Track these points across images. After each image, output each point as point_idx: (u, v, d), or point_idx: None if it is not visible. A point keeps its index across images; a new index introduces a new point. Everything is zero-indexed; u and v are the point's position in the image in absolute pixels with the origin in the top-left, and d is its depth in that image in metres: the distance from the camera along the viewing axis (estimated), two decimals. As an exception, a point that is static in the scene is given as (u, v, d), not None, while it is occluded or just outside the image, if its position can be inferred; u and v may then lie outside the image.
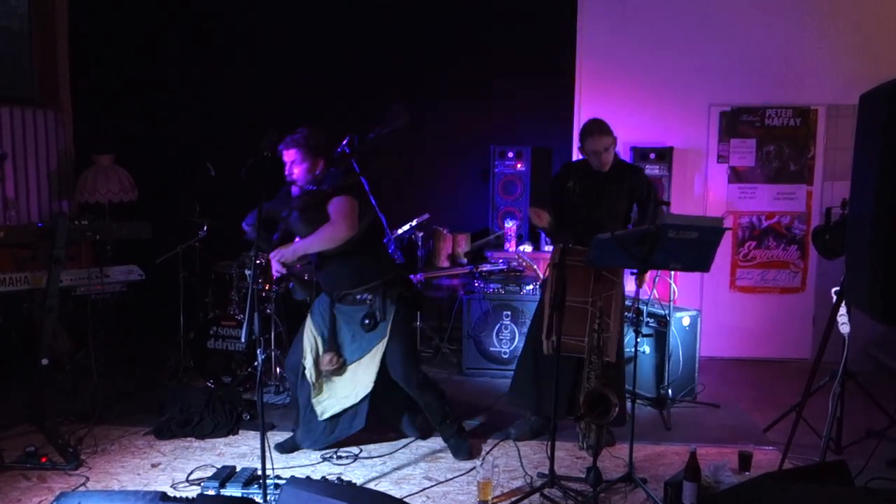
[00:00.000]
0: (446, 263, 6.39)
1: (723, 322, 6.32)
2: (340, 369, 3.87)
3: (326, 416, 3.92)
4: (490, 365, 5.64)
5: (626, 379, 4.23)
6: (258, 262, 4.90)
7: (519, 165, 6.32)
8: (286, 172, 3.72)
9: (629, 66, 6.23)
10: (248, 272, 5.16)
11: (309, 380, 3.89)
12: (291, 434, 4.17)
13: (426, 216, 5.85)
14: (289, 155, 3.71)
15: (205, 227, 5.48)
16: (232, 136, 5.92)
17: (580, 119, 6.14)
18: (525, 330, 5.36)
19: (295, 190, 3.79)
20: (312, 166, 3.72)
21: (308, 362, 3.88)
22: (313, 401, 3.91)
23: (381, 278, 3.83)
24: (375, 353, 3.83)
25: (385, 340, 3.81)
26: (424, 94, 6.51)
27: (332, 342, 3.83)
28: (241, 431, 4.47)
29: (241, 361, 5.19)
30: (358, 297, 3.81)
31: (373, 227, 3.86)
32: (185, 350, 5.54)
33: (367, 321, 3.78)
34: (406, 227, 5.73)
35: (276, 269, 3.72)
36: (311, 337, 3.90)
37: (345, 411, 3.91)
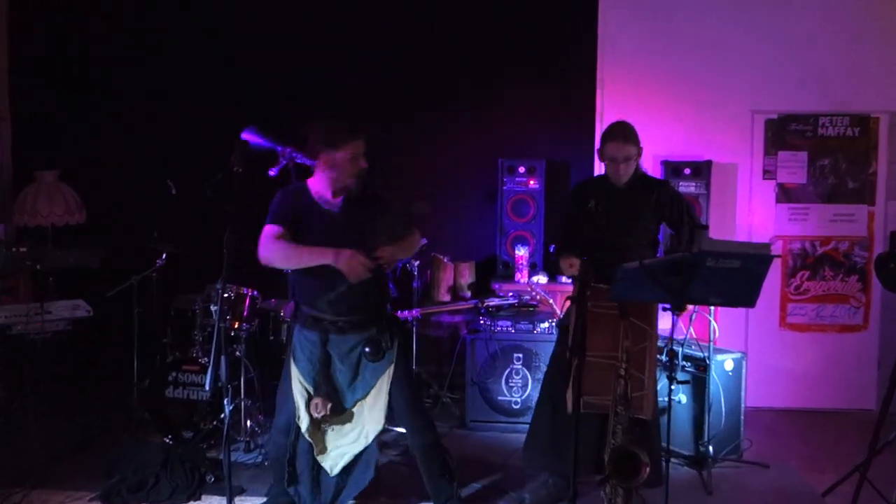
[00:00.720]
0: (447, 297, 6.37)
1: (772, 366, 6.30)
2: (343, 415, 3.87)
3: (338, 469, 3.91)
4: (498, 417, 5.61)
5: (660, 433, 4.21)
6: (226, 294, 4.99)
7: (531, 182, 6.33)
8: (361, 167, 3.78)
9: (660, 66, 6.27)
10: (213, 308, 5.13)
11: (308, 438, 3.89)
12: (268, 498, 4.16)
13: (423, 242, 5.77)
14: (362, 145, 3.80)
15: (163, 255, 5.49)
16: (197, 150, 5.93)
17: (602, 127, 6.07)
18: (540, 376, 5.33)
19: (319, 195, 3.82)
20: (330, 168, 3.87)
21: (303, 418, 3.87)
22: (318, 458, 3.91)
23: (386, 303, 3.95)
24: (381, 385, 3.85)
25: (392, 368, 3.84)
26: (419, 101, 6.53)
27: (325, 387, 3.82)
28: (204, 496, 4.44)
29: (204, 413, 5.16)
30: (359, 325, 3.83)
31: None
32: (139, 399, 5.51)
33: (369, 349, 3.79)
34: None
35: (365, 267, 3.67)
36: (300, 388, 3.88)
37: (357, 459, 3.92)
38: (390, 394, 3.86)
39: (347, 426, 3.88)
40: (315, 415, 3.80)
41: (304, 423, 3.86)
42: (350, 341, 3.83)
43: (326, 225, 3.77)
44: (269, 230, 3.72)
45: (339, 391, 3.85)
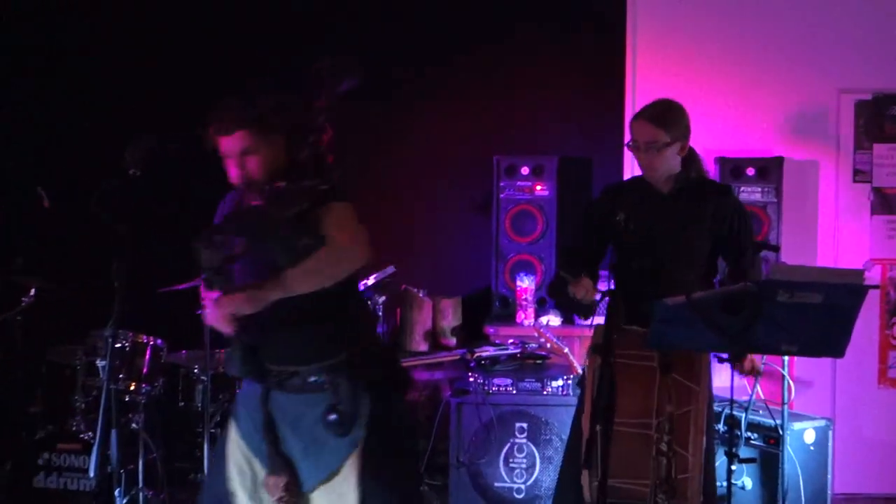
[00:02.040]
0: (423, 346, 6.39)
1: (868, 438, 6.29)
2: (299, 501, 3.77)
3: None
4: None
5: None
6: (118, 345, 5.00)
7: (539, 187, 6.34)
8: (230, 174, 3.65)
9: (710, 34, 6.32)
10: (100, 363, 5.12)
11: None
12: None
13: (390, 270, 5.88)
14: (232, 142, 3.62)
15: (32, 292, 5.43)
16: (79, 150, 5.99)
17: (634, 110, 6.11)
18: (551, 453, 5.31)
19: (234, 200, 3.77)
20: (278, 153, 3.67)
21: (241, 495, 3.77)
22: None
23: (352, 347, 3.76)
24: (349, 472, 3.71)
25: (360, 449, 3.70)
26: (391, 83, 6.54)
27: (275, 459, 3.72)
28: None
29: None
30: (311, 378, 3.72)
31: None
32: (-3, 490, 5.47)
33: (332, 418, 3.66)
34: (358, 289, 5.69)
35: (221, 323, 3.52)
36: (239, 457, 3.80)
37: None
38: (362, 482, 3.73)
39: None
40: (276, 498, 3.71)
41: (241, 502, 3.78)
42: (292, 403, 3.74)
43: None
44: None
45: (296, 468, 3.75)
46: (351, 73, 4.03)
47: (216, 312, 3.48)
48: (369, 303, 5.92)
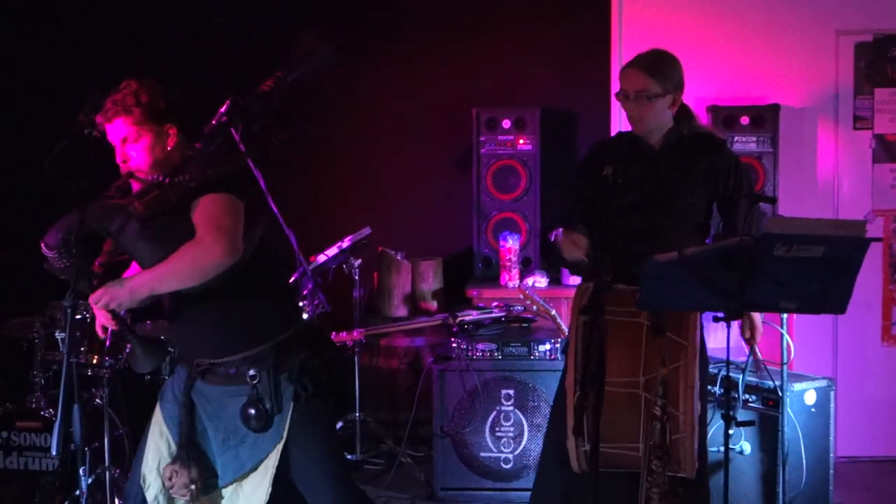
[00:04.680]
0: (403, 311, 6.41)
1: (872, 398, 6.31)
2: (213, 495, 3.83)
3: None
4: (482, 482, 5.59)
5: (713, 497, 4.23)
6: (80, 315, 4.98)
7: (521, 141, 6.34)
8: (118, 160, 3.71)
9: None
10: (60, 335, 5.15)
11: None
12: None
13: (366, 231, 5.85)
14: (114, 129, 3.66)
15: (-16, 260, 5.45)
16: (28, 109, 5.98)
17: (622, 63, 6.03)
18: (540, 420, 5.36)
19: (135, 186, 3.78)
20: (157, 142, 3.69)
21: (150, 483, 3.82)
22: None
23: (274, 338, 3.77)
24: (266, 469, 3.78)
25: (279, 447, 3.76)
26: (361, 34, 6.55)
27: (188, 449, 3.77)
28: None
29: (51, 490, 5.13)
30: (231, 371, 3.76)
31: (265, 248, 3.84)
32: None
33: (253, 413, 3.70)
34: (332, 252, 5.72)
35: (103, 322, 3.68)
36: (157, 436, 3.86)
37: None
38: (293, 475, 3.82)
39: None
40: (173, 489, 3.76)
41: (150, 490, 3.81)
42: (214, 394, 3.80)
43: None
44: None
45: (209, 460, 3.83)
46: (319, 60, 4.00)
47: (96, 310, 3.59)
48: (344, 267, 5.93)
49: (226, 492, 3.84)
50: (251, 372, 3.72)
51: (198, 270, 3.54)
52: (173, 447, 3.80)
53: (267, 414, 3.70)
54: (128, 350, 4.19)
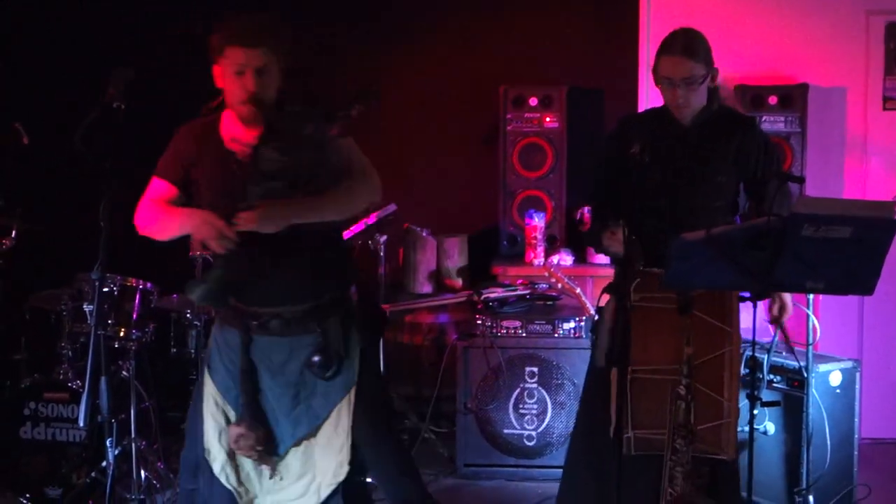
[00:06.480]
0: (427, 287, 6.40)
1: None
2: (282, 454, 3.81)
3: None
4: (504, 458, 5.61)
5: (738, 477, 4.18)
6: (106, 289, 4.98)
7: (548, 119, 6.31)
8: (240, 89, 3.59)
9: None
10: (88, 308, 5.12)
11: (226, 483, 3.80)
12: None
13: (391, 208, 5.85)
14: (252, 56, 3.58)
15: (12, 233, 5.40)
16: (58, 83, 5.97)
17: (650, 40, 6.13)
18: (563, 398, 5.37)
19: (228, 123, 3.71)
20: (279, 80, 3.69)
21: (215, 454, 3.80)
22: None
23: (346, 287, 3.82)
24: (340, 416, 3.77)
25: (353, 393, 3.75)
26: (391, 7, 6.57)
27: (248, 410, 3.75)
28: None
29: (78, 461, 5.14)
30: (298, 319, 3.73)
31: None
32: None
33: (318, 359, 3.69)
34: (358, 228, 5.71)
35: (219, 240, 3.50)
36: (214, 409, 3.82)
37: None
38: (355, 429, 3.78)
39: (289, 473, 3.82)
40: (240, 450, 3.74)
41: (216, 462, 3.79)
42: (277, 347, 3.76)
43: (228, 174, 3.67)
44: (150, 187, 3.73)
45: (271, 424, 3.79)
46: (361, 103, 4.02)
47: (215, 232, 3.47)
48: (370, 243, 5.92)
49: (297, 451, 3.81)
50: (321, 319, 3.75)
51: (357, 205, 3.72)
52: (231, 416, 3.79)
53: (339, 360, 3.73)
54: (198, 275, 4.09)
